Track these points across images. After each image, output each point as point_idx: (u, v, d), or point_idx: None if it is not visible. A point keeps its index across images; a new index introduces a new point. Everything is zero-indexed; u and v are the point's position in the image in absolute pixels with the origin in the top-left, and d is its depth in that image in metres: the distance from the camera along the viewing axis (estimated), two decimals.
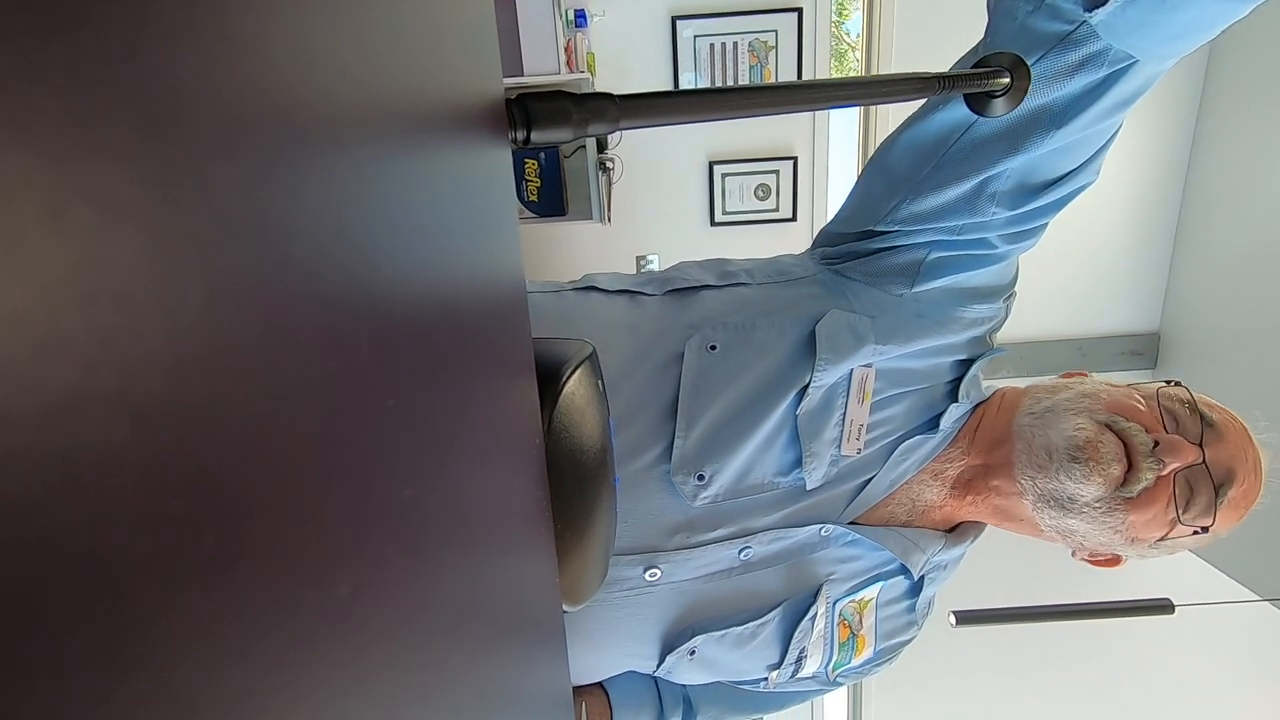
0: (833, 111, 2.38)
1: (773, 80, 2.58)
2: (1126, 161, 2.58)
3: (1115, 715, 3.00)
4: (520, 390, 0.31)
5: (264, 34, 0.10)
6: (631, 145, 2.52)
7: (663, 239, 2.72)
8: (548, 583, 0.36)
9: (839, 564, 0.69)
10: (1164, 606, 1.29)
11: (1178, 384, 0.68)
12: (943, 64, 0.64)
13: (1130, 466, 0.62)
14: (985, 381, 0.75)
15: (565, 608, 0.45)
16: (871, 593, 0.71)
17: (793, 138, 2.63)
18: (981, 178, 0.62)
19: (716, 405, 0.64)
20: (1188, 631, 2.65)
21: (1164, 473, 0.62)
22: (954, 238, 0.66)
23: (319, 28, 0.12)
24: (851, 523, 0.68)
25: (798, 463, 0.65)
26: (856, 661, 0.74)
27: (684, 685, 0.78)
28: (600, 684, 0.77)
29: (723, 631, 0.67)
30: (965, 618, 1.35)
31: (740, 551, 0.65)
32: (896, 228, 0.67)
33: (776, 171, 2.64)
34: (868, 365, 0.66)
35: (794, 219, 2.69)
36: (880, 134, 2.60)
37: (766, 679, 0.72)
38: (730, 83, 2.60)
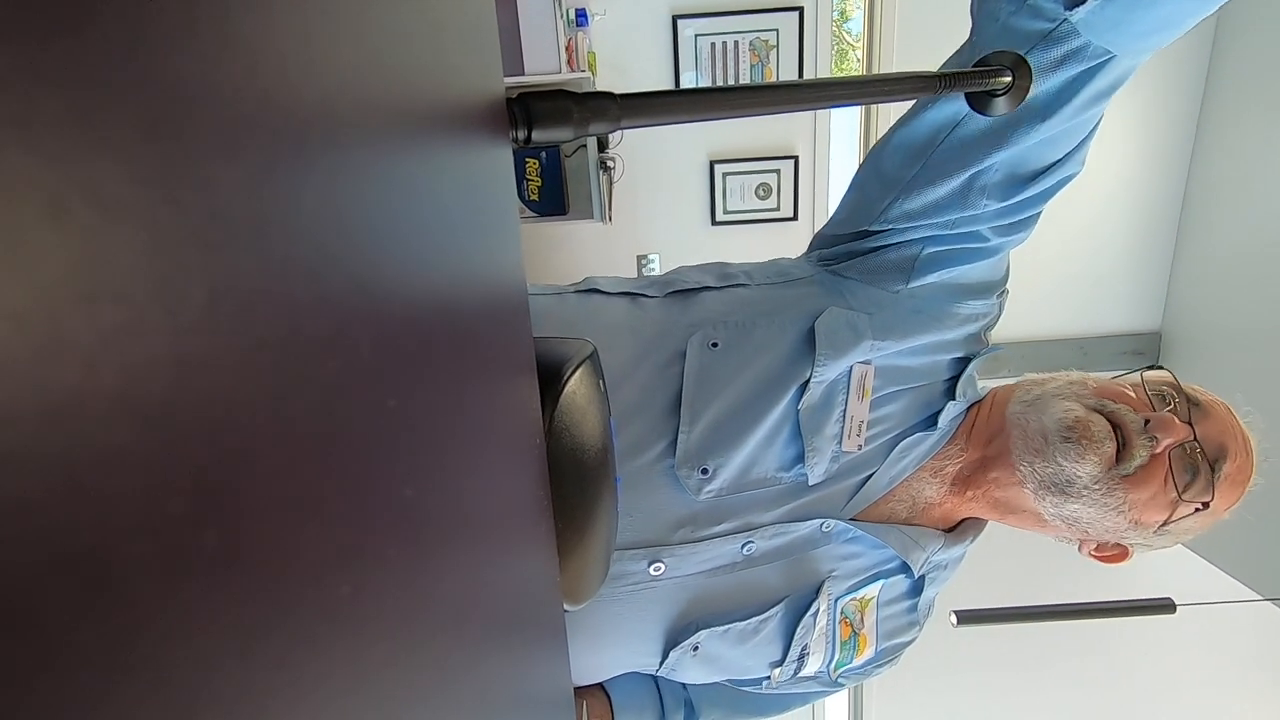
0: (834, 111, 2.37)
1: (774, 79, 2.58)
2: (1128, 160, 2.58)
3: (1117, 715, 3.00)
4: (521, 389, 0.31)
5: (265, 33, 0.10)
6: (632, 144, 2.52)
7: (664, 238, 2.72)
8: (549, 582, 0.36)
9: (840, 561, 0.70)
10: (1165, 606, 1.29)
11: (1160, 367, 0.70)
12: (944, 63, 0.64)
13: (1125, 444, 0.64)
14: (981, 381, 0.76)
15: (566, 607, 0.45)
16: (872, 591, 0.72)
17: (794, 137, 2.63)
18: (971, 172, 0.64)
19: (719, 400, 0.65)
20: (1189, 631, 2.65)
21: (1158, 450, 0.64)
22: (947, 232, 0.67)
23: (320, 27, 0.12)
24: (852, 519, 0.69)
25: (800, 458, 0.66)
26: (858, 661, 0.74)
27: (685, 688, 0.78)
28: (601, 686, 0.77)
29: (726, 627, 0.67)
30: (966, 617, 1.35)
31: (743, 546, 0.66)
32: (890, 226, 0.69)
33: (777, 171, 2.64)
34: (866, 362, 0.67)
35: (795, 218, 2.69)
36: (881, 133, 2.60)
37: (769, 677, 0.72)
38: (731, 82, 2.60)
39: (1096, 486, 0.64)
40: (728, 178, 2.65)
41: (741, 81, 2.57)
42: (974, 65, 0.44)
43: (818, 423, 0.66)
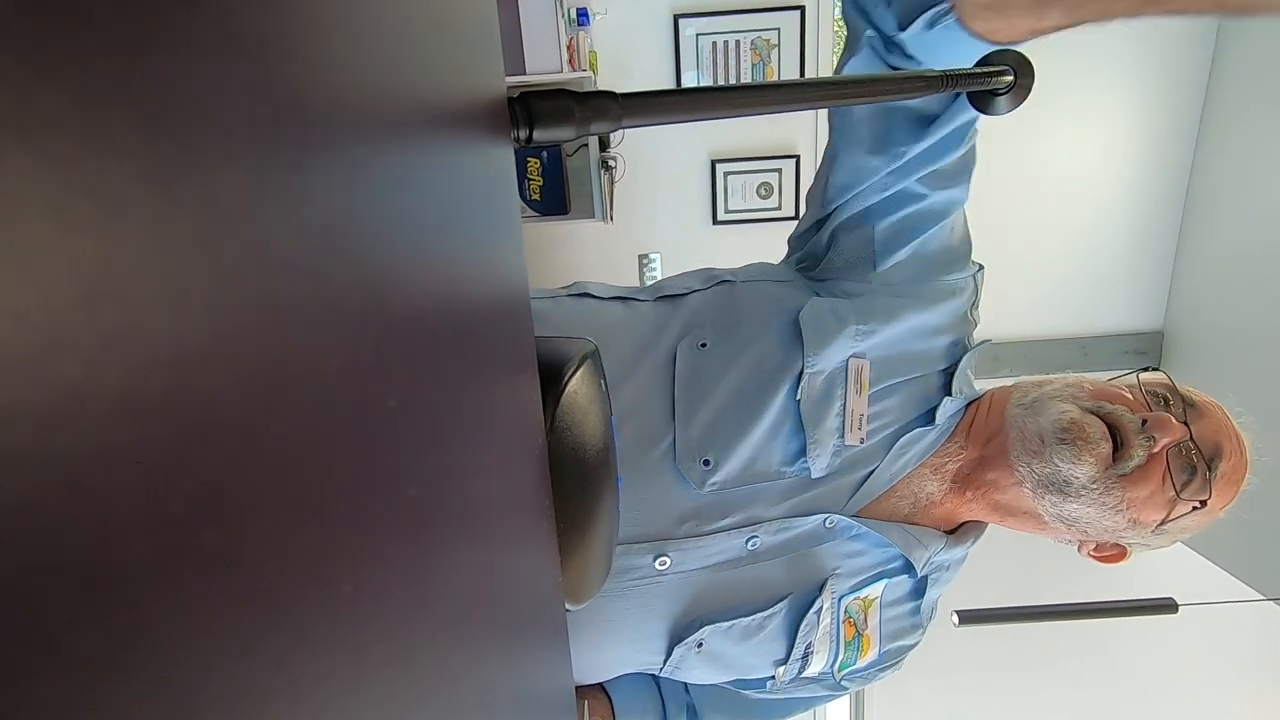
0: None
1: (775, 79, 2.58)
2: (1130, 159, 2.58)
3: (1119, 715, 3.00)
4: (522, 388, 0.31)
5: (267, 33, 0.10)
6: (634, 144, 2.52)
7: (665, 237, 2.72)
8: (550, 582, 0.36)
9: (844, 559, 0.70)
10: (1167, 606, 1.28)
11: (1155, 369, 0.71)
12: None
13: (1122, 444, 0.65)
14: (980, 382, 0.76)
15: (568, 607, 0.45)
16: (876, 591, 0.72)
17: (795, 136, 2.63)
18: (878, 128, 0.69)
19: (713, 397, 0.67)
20: (1191, 631, 2.64)
21: (1155, 450, 0.65)
22: (882, 195, 0.71)
23: (321, 27, 0.12)
24: (856, 516, 0.69)
25: (802, 451, 0.67)
26: (862, 663, 0.74)
27: (688, 691, 0.78)
28: (603, 688, 0.77)
29: (730, 623, 0.68)
30: (968, 617, 1.35)
31: (747, 541, 0.67)
32: (834, 205, 0.73)
33: (779, 170, 2.64)
34: (861, 356, 0.69)
35: (796, 218, 2.68)
36: None
37: (773, 677, 0.72)
38: (733, 81, 2.60)
39: (1094, 486, 0.65)
40: (729, 177, 2.64)
41: (743, 81, 2.57)
42: (976, 64, 0.44)
43: (819, 415, 0.67)
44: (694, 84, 2.55)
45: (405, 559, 0.15)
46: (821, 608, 0.69)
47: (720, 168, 2.63)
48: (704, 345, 0.69)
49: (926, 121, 0.67)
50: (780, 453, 0.67)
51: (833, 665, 0.73)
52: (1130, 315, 2.74)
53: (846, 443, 0.68)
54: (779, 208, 2.68)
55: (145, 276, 0.07)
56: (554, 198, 2.13)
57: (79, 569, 0.06)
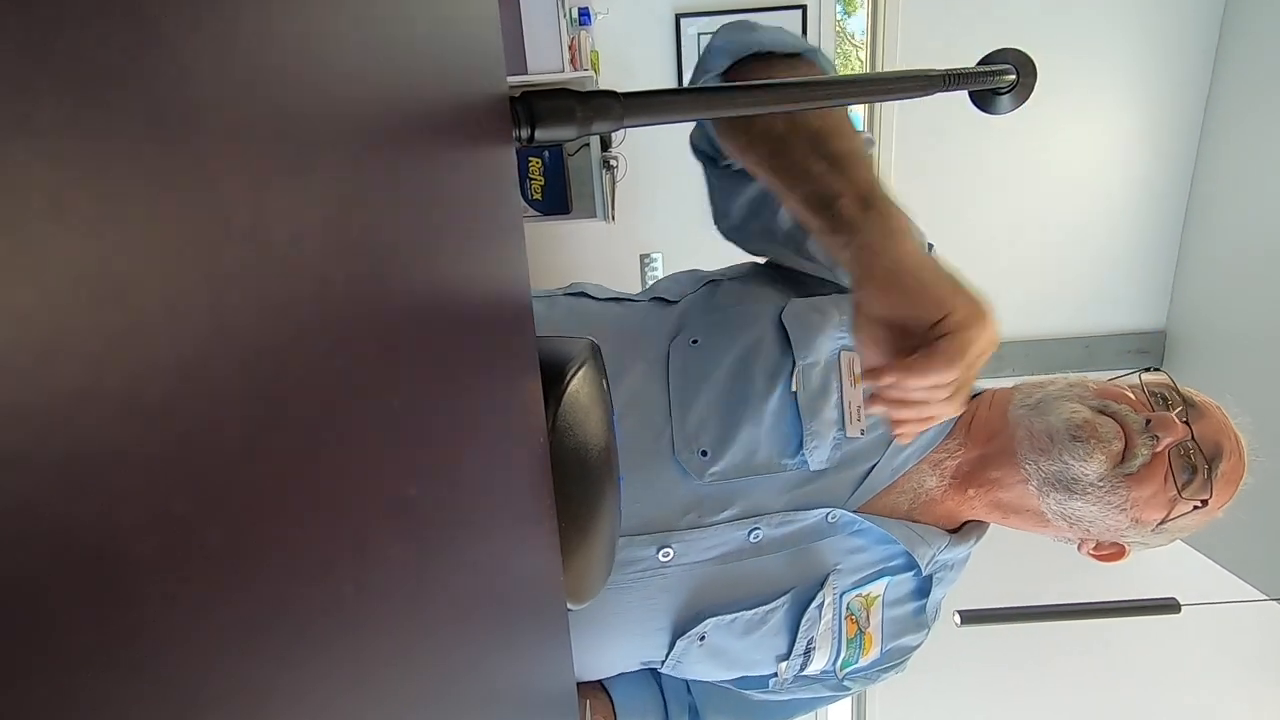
0: None
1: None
2: (1134, 158, 2.57)
3: (1122, 716, 3.00)
4: (524, 388, 0.31)
5: (269, 32, 0.10)
6: (635, 143, 2.52)
7: (666, 237, 2.72)
8: (552, 581, 0.36)
9: (846, 554, 0.71)
10: (1170, 606, 1.28)
11: (1157, 370, 0.72)
12: (948, 62, 0.63)
13: (1126, 444, 0.66)
14: (980, 382, 0.76)
15: (569, 606, 0.45)
16: (878, 588, 0.72)
17: None
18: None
19: (706, 389, 0.68)
20: (1194, 631, 2.64)
21: (1159, 449, 0.66)
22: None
23: (323, 27, 0.12)
24: (858, 511, 0.69)
25: (802, 444, 0.67)
26: (864, 661, 0.74)
27: (690, 691, 0.78)
28: (604, 687, 0.77)
29: (733, 616, 0.68)
30: (971, 617, 1.34)
31: (750, 533, 0.68)
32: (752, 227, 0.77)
33: None
34: (850, 348, 0.70)
35: None
36: (882, 132, 2.60)
37: (775, 674, 0.72)
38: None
39: (1101, 484, 0.66)
40: None
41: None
42: (978, 63, 0.44)
43: (816, 408, 0.68)
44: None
45: (407, 558, 0.15)
46: (823, 603, 0.69)
47: None
48: (695, 342, 0.71)
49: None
50: (780, 445, 0.68)
51: (834, 663, 0.73)
52: (1133, 315, 2.74)
53: (848, 434, 0.68)
54: None
55: (148, 277, 0.07)
56: (556, 197, 2.13)
57: (82, 567, 0.06)
